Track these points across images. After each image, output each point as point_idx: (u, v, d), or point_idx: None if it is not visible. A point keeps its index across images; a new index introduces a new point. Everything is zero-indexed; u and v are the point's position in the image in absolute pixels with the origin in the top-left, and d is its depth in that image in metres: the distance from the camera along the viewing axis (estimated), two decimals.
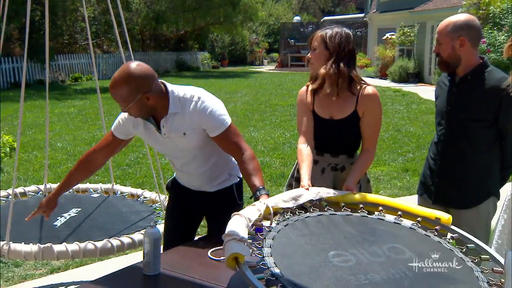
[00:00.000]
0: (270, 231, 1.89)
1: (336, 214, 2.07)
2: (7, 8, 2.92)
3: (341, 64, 2.43)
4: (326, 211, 2.09)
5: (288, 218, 1.99)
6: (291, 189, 2.66)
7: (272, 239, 1.83)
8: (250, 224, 1.88)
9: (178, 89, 2.33)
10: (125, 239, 2.60)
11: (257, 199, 2.18)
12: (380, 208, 2.12)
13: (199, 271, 1.98)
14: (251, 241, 1.80)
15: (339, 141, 2.55)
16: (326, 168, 2.55)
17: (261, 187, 2.22)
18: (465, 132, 2.57)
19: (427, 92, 14.01)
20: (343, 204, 2.15)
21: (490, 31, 10.94)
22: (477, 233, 2.60)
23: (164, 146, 2.42)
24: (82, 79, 18.98)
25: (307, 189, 2.25)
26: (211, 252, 2.12)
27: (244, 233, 1.78)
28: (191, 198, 2.55)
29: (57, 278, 3.61)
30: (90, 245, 2.53)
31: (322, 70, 2.45)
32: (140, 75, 2.18)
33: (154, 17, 21.74)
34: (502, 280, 1.71)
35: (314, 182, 2.42)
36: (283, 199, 2.09)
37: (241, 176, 2.52)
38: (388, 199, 2.22)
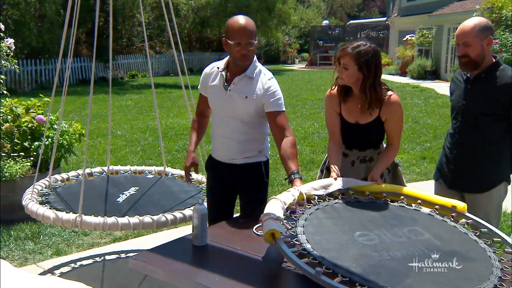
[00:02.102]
0: (303, 213, 1.90)
1: (361, 201, 2.07)
2: (78, 16, 2.99)
3: (371, 88, 2.29)
4: (353, 198, 2.08)
5: (319, 203, 2.00)
6: (323, 174, 2.66)
7: (305, 220, 1.85)
8: (285, 207, 1.90)
9: (260, 64, 2.43)
10: (178, 214, 2.65)
11: (291, 181, 2.18)
12: (402, 197, 2.10)
13: (240, 244, 2.00)
14: (286, 221, 1.82)
15: (365, 140, 2.50)
16: (355, 161, 2.51)
17: (295, 171, 2.21)
18: (478, 125, 2.51)
19: (443, 88, 13.61)
20: (368, 193, 2.13)
21: (502, 33, 10.57)
22: (490, 215, 2.56)
23: (222, 103, 2.41)
24: (138, 76, 19.27)
25: (336, 179, 2.24)
26: (256, 228, 2.11)
27: (280, 214, 1.80)
28: (224, 171, 2.54)
29: (119, 246, 3.72)
30: (148, 218, 2.59)
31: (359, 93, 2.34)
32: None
33: (200, 22, 21.82)
34: None
35: (346, 174, 2.38)
36: (314, 187, 2.09)
37: (269, 156, 2.53)
38: (408, 189, 2.19)
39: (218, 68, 2.46)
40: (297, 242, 1.70)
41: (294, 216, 1.89)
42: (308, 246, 1.67)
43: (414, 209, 2.01)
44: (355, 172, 2.45)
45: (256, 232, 2.10)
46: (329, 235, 1.77)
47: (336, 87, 2.45)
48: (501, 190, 2.57)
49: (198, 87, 2.59)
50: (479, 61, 2.43)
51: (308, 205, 1.98)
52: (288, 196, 1.97)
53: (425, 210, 2.02)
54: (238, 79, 2.36)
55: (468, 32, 2.41)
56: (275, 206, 1.86)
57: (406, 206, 2.03)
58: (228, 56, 2.42)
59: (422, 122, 8.79)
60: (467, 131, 2.56)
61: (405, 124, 8.48)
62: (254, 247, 1.94)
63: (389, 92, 2.37)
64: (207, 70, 2.54)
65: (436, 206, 2.01)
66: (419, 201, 2.05)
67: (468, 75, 2.54)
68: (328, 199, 2.05)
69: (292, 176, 2.19)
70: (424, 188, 5.48)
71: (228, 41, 2.30)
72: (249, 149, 2.46)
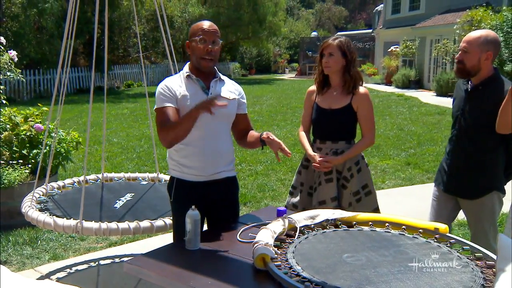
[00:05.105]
0: (292, 242, 1.93)
1: (349, 229, 2.09)
2: (75, 28, 2.99)
3: (354, 69, 2.62)
4: (340, 227, 2.10)
5: (308, 233, 2.03)
6: (301, 175, 2.77)
7: (295, 247, 1.89)
8: (275, 236, 1.92)
9: None
10: None
11: (262, 139, 2.16)
12: (387, 224, 2.12)
13: (232, 248, 2.00)
14: (276, 248, 1.85)
15: (337, 128, 2.64)
16: (329, 153, 2.63)
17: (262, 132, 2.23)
18: (471, 135, 2.50)
19: (426, 96, 13.75)
20: (354, 223, 2.15)
21: None
22: (484, 223, 2.54)
23: None
24: (133, 86, 19.25)
25: (315, 156, 2.58)
26: (239, 235, 2.11)
27: (269, 241, 1.84)
28: (201, 193, 2.23)
29: (115, 251, 3.69)
30: (147, 223, 2.57)
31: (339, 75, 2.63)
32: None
33: None
34: (493, 269, 1.69)
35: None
36: (303, 217, 2.11)
37: None
38: (393, 216, 2.21)
39: (188, 76, 2.22)
40: (287, 265, 1.72)
41: (284, 244, 1.92)
42: (298, 267, 1.69)
43: (399, 234, 2.04)
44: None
45: (240, 239, 2.09)
46: (319, 258, 1.79)
47: (317, 82, 2.72)
48: (494, 199, 2.52)
49: (157, 105, 2.17)
50: (472, 72, 2.41)
51: (298, 234, 2.00)
52: (278, 225, 1.99)
53: (410, 234, 2.05)
54: (214, 82, 2.24)
55: (471, 40, 2.37)
56: (265, 234, 1.89)
57: (392, 232, 2.06)
58: (187, 66, 2.27)
59: (406, 130, 8.86)
60: (462, 140, 2.55)
61: (390, 131, 8.60)
62: (244, 251, 1.93)
63: (361, 87, 2.65)
64: (167, 84, 2.20)
65: (420, 230, 2.04)
66: (403, 226, 2.08)
67: (468, 86, 2.51)
68: (316, 229, 2.08)
69: (262, 133, 2.18)
70: (408, 193, 5.50)
71: (193, 39, 2.17)
72: (231, 158, 2.33)
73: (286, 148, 2.09)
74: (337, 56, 2.58)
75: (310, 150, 2.67)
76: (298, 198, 2.74)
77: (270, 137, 2.12)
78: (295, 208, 2.70)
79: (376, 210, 2.66)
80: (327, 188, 2.61)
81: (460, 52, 2.43)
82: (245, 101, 2.39)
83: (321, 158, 2.59)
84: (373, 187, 2.72)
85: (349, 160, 2.62)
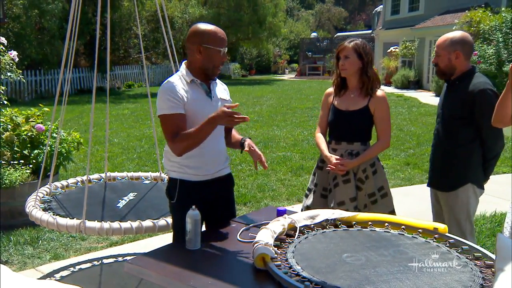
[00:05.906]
0: (292, 242, 1.93)
1: (348, 229, 2.10)
2: (77, 29, 3.00)
3: (372, 70, 2.60)
4: (340, 227, 2.10)
5: (307, 233, 2.03)
6: (315, 176, 2.77)
7: (294, 247, 1.89)
8: (275, 235, 1.92)
9: None
10: None
11: (242, 144, 2.28)
12: (386, 224, 2.12)
13: (232, 248, 2.00)
14: (276, 248, 1.86)
15: (353, 129, 2.64)
16: (344, 154, 2.63)
17: (244, 137, 2.32)
18: (448, 128, 2.62)
19: (425, 97, 13.75)
20: (354, 223, 2.15)
21: (480, 45, 10.75)
22: (458, 215, 2.59)
23: (209, 112, 2.06)
24: (134, 86, 19.25)
25: (331, 157, 2.57)
26: (239, 235, 2.12)
27: (269, 241, 1.84)
28: (203, 191, 2.24)
29: (115, 251, 3.69)
30: (149, 222, 2.58)
31: (359, 76, 2.61)
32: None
33: None
34: (492, 269, 1.69)
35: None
36: (303, 217, 2.12)
37: None
38: (392, 216, 2.22)
39: (192, 81, 2.19)
40: (287, 265, 1.73)
41: (284, 244, 1.92)
42: (298, 267, 1.70)
43: (398, 234, 2.04)
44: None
45: (240, 239, 2.09)
46: (318, 258, 1.79)
47: (334, 85, 2.72)
48: (469, 192, 2.57)
49: (164, 111, 2.11)
50: (447, 72, 2.59)
51: (298, 234, 2.00)
52: (278, 225, 1.99)
53: (409, 234, 2.05)
54: (212, 86, 2.26)
55: (439, 44, 2.58)
56: (265, 234, 1.89)
57: (391, 231, 2.06)
58: (185, 68, 2.23)
59: (406, 130, 8.86)
60: (441, 133, 2.66)
61: None
62: (244, 250, 1.93)
63: (379, 90, 2.64)
64: (173, 89, 2.12)
65: (419, 230, 2.04)
66: (402, 226, 2.08)
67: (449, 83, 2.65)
68: (316, 229, 2.08)
69: (243, 139, 2.29)
70: (407, 193, 5.50)
71: (211, 47, 2.14)
72: (227, 156, 2.37)
73: (264, 162, 2.22)
74: (353, 58, 2.57)
75: (326, 151, 2.65)
76: (311, 200, 2.73)
77: (252, 147, 2.22)
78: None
79: (392, 212, 2.63)
80: (345, 188, 2.59)
81: (435, 56, 2.63)
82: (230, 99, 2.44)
83: (337, 161, 2.56)
84: (389, 189, 2.69)
85: (365, 162, 2.60)
